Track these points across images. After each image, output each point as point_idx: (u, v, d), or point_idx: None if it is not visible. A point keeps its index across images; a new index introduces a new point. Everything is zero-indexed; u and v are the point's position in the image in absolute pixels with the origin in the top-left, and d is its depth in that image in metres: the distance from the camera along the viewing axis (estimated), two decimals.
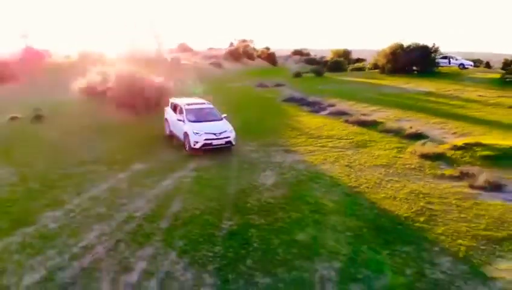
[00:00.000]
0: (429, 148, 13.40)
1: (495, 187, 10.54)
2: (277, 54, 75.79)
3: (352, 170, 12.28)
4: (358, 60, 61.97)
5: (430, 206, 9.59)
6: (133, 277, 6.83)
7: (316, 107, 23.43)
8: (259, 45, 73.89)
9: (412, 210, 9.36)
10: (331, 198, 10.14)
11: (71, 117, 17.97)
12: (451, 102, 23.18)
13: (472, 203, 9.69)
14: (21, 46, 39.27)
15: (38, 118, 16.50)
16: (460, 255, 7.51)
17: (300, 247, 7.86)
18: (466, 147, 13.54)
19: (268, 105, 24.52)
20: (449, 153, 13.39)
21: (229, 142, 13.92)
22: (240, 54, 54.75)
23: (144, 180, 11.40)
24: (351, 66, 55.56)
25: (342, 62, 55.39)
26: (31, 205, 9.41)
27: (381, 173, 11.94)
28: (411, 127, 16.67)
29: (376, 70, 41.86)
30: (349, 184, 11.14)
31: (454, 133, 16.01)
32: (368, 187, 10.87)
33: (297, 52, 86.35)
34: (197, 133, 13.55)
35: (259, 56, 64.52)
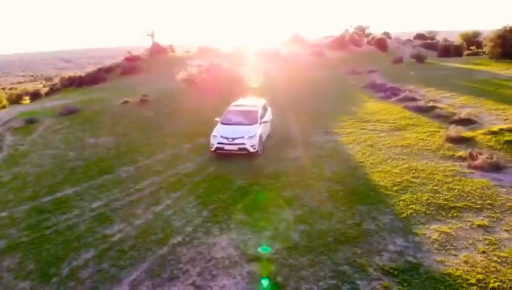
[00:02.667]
0: (456, 132, 14.01)
1: (493, 168, 11.20)
2: (399, 38, 73.69)
3: (371, 149, 13.88)
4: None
5: (413, 179, 10.97)
6: (159, 208, 10.32)
7: (388, 93, 24.13)
8: (378, 29, 72.37)
9: (393, 182, 10.91)
10: (332, 169, 12.20)
11: (168, 102, 22.72)
12: None
13: (455, 180, 10.74)
14: (148, 43, 47.26)
15: (143, 102, 21.55)
16: (403, 215, 9.12)
17: (283, 200, 10.37)
18: (498, 132, 13.78)
19: (344, 91, 25.98)
20: (479, 137, 13.84)
21: (244, 149, 13.31)
22: (345, 41, 55.22)
23: (200, 150, 14.92)
24: (467, 51, 51.90)
25: (458, 46, 52.02)
26: (116, 162, 13.78)
27: (395, 153, 13.32)
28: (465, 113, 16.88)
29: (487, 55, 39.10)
30: (359, 160, 12.92)
31: (506, 119, 15.79)
32: (372, 163, 12.52)
33: (419, 36, 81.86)
34: (215, 136, 13.70)
35: (368, 42, 63.68)
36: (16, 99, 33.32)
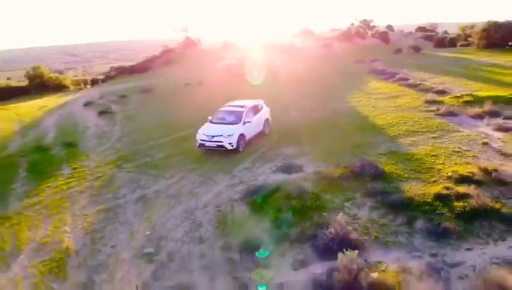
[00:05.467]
0: (432, 97, 20.87)
1: (450, 114, 18.05)
2: (403, 30, 79.98)
3: (374, 108, 20.76)
4: None
5: (399, 121, 17.82)
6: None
7: (387, 76, 30.83)
8: (383, 21, 77.99)
9: (386, 122, 17.80)
10: (347, 120, 19.10)
11: (216, 84, 29.69)
12: (503, 71, 28.16)
13: (424, 120, 17.57)
14: (182, 37, 54.21)
15: (200, 83, 28.68)
16: (391, 135, 16.03)
17: (316, 135, 17.28)
18: (459, 96, 20.66)
19: (352, 75, 32.77)
20: (446, 100, 20.67)
21: (221, 146, 15.12)
22: (351, 35, 61.81)
23: None
24: (461, 42, 58.21)
25: (452, 38, 58.47)
26: (171, 130, 20.53)
27: (389, 109, 20.19)
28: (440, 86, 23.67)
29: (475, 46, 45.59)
30: (365, 114, 19.82)
31: (470, 90, 22.60)
32: (374, 115, 19.40)
33: (420, 29, 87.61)
34: (199, 134, 15.74)
35: (372, 35, 70.13)
36: (83, 85, 40.71)
